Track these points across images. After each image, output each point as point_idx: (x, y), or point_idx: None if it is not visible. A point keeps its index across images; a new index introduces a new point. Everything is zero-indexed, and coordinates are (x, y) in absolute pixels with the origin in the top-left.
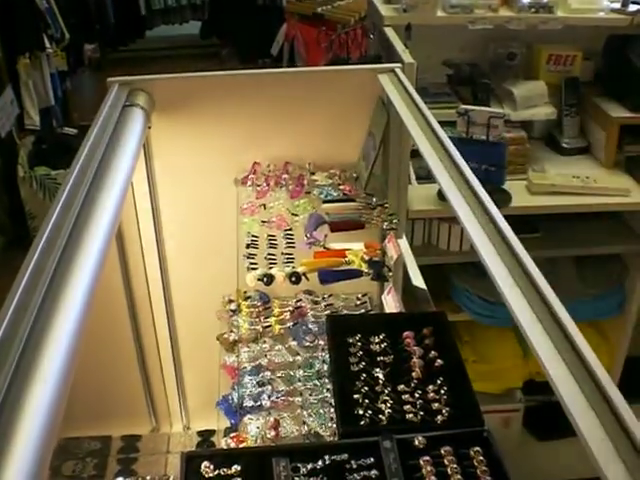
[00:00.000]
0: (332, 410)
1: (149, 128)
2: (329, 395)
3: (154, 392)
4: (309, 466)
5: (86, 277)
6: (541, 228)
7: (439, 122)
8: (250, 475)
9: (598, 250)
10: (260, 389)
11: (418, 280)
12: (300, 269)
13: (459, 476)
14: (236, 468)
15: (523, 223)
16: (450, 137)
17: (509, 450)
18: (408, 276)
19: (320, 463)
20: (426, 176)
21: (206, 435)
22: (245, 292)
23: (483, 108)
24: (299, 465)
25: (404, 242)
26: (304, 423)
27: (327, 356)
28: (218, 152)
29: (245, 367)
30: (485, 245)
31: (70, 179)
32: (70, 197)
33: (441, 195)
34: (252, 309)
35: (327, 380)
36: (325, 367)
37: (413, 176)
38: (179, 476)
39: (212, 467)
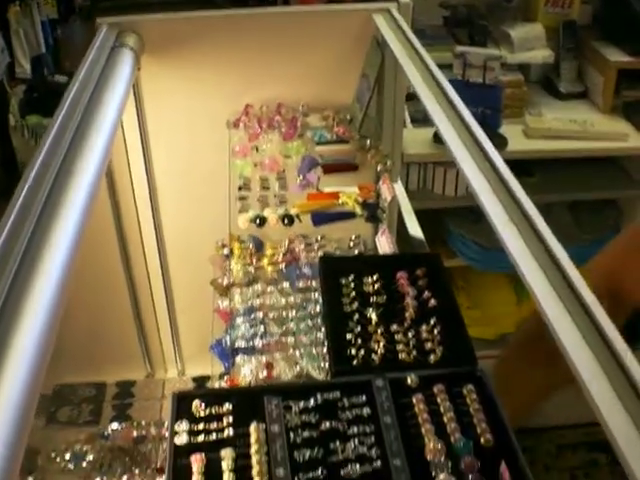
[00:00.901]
0: (325, 351)
1: (139, 70)
2: (322, 336)
3: (148, 338)
4: (301, 404)
5: (75, 214)
6: (537, 172)
7: (437, 65)
8: (242, 413)
9: (594, 195)
10: (253, 332)
11: (413, 224)
12: (293, 211)
13: (451, 414)
14: (227, 407)
15: (519, 167)
16: (447, 80)
17: None
18: (403, 221)
19: (312, 402)
20: (422, 119)
21: (200, 381)
22: (239, 237)
23: (480, 50)
24: (291, 403)
25: (399, 186)
26: (297, 364)
27: (320, 298)
28: (210, 94)
29: (238, 311)
30: (483, 187)
31: (58, 119)
32: (58, 137)
33: (437, 138)
34: (245, 253)
35: (320, 322)
36: (318, 309)
37: (408, 119)
38: (170, 415)
39: (203, 406)
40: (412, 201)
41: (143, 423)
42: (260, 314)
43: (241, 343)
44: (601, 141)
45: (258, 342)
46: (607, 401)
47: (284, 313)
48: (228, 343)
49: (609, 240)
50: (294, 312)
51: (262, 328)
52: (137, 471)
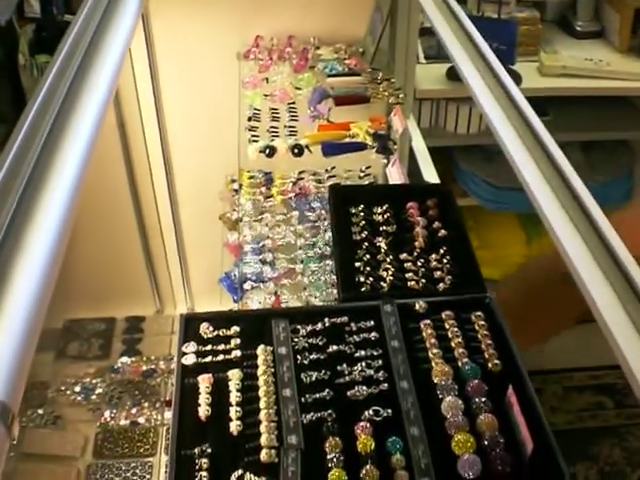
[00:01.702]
0: (333, 283)
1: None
2: (330, 266)
3: (158, 274)
4: (308, 328)
5: (81, 140)
6: (551, 111)
7: None
8: (249, 336)
9: (607, 135)
10: (262, 265)
11: (425, 159)
12: (303, 141)
13: (459, 339)
14: (235, 329)
15: (532, 106)
16: None
17: None
18: (414, 157)
19: (320, 325)
20: (435, 55)
21: None
22: (248, 172)
23: None
24: (298, 327)
25: (412, 122)
26: (305, 289)
27: (329, 236)
28: (220, 25)
29: (248, 245)
30: (503, 124)
31: (65, 47)
32: (64, 63)
33: (450, 75)
34: (255, 188)
35: (328, 252)
36: (327, 238)
37: (421, 54)
38: (178, 337)
39: (211, 328)
40: (424, 139)
41: (152, 358)
42: (269, 247)
43: (251, 277)
44: (616, 80)
45: (267, 274)
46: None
47: (293, 245)
48: (237, 276)
49: (621, 182)
50: (303, 244)
51: (271, 260)
52: (146, 404)
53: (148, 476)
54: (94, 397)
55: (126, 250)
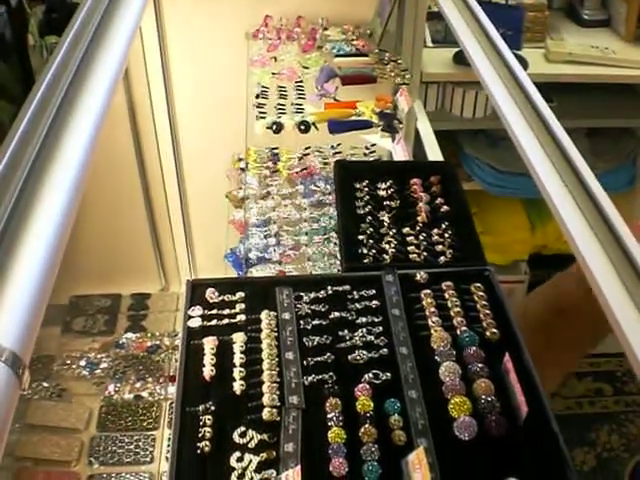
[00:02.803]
0: (337, 256)
1: None
2: (335, 245)
3: (164, 252)
4: (311, 295)
5: (91, 115)
6: (556, 98)
7: None
8: (254, 301)
9: (612, 123)
10: (267, 242)
11: (430, 140)
12: (310, 118)
13: (458, 308)
14: (240, 295)
15: (539, 92)
16: None
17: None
18: (419, 139)
19: (322, 293)
20: (443, 40)
21: None
22: (255, 148)
23: None
24: (302, 294)
25: (418, 104)
26: (308, 260)
27: (334, 212)
28: (230, 4)
29: (253, 222)
30: (510, 108)
31: (74, 26)
32: (74, 39)
33: (457, 59)
34: (261, 164)
35: (333, 225)
36: (332, 212)
37: (429, 38)
38: (184, 301)
39: (217, 294)
40: (430, 122)
41: (157, 334)
42: (275, 224)
43: (256, 254)
44: (622, 68)
45: (273, 254)
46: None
47: (298, 219)
48: (242, 252)
49: (624, 169)
50: (308, 217)
51: (276, 237)
52: (150, 379)
53: (151, 449)
54: (99, 371)
55: (132, 227)
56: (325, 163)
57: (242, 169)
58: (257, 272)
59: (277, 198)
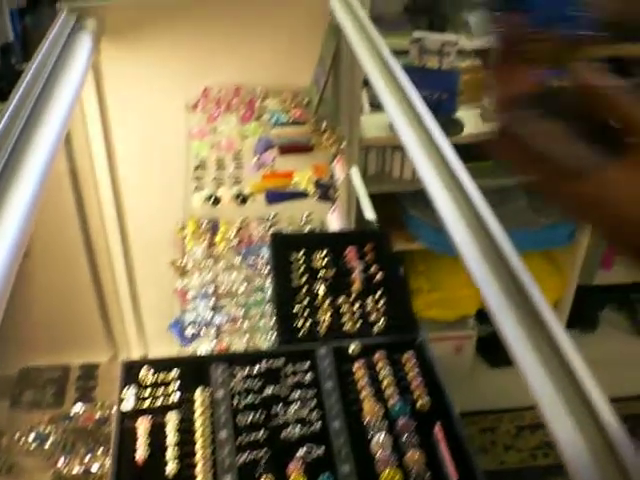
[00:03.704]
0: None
1: (98, 53)
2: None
3: (112, 320)
4: (246, 371)
5: (30, 186)
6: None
7: (394, 51)
8: (188, 380)
9: None
10: (208, 311)
11: (367, 207)
12: (247, 190)
13: (390, 378)
14: (175, 373)
15: (476, 150)
16: (402, 65)
17: (461, 376)
18: (359, 207)
19: (257, 368)
20: (380, 104)
21: None
22: (199, 219)
23: (436, 35)
24: (237, 369)
25: (355, 171)
26: (245, 334)
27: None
28: (169, 77)
29: (196, 291)
30: (430, 174)
31: (14, 99)
32: (13, 115)
33: None
34: (200, 233)
35: (269, 296)
36: (269, 285)
37: (367, 104)
38: (118, 383)
39: (151, 372)
40: (371, 185)
41: (106, 404)
42: (215, 292)
43: (197, 321)
44: None
45: (214, 319)
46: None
47: (238, 290)
48: (185, 322)
49: (564, 224)
50: (247, 289)
51: (217, 306)
52: (99, 452)
53: None
54: (48, 445)
55: (79, 297)
56: (263, 234)
57: (185, 237)
58: (197, 344)
59: (217, 268)
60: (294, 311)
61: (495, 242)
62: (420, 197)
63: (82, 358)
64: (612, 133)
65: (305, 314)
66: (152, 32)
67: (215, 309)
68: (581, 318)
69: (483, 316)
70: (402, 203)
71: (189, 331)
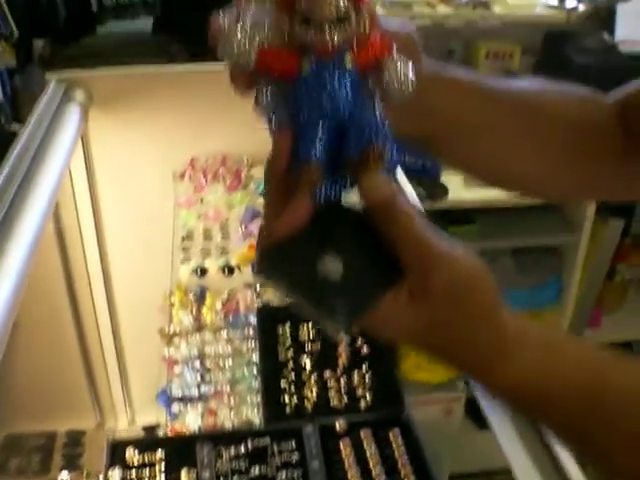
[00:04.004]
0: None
1: (86, 123)
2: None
3: (98, 386)
4: (232, 451)
5: (18, 262)
6: (478, 219)
7: None
8: (174, 460)
9: (535, 241)
10: (195, 380)
11: None
12: (234, 261)
13: (377, 458)
14: (160, 453)
15: (461, 215)
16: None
17: (450, 438)
18: None
19: (243, 448)
20: None
21: (150, 430)
22: (186, 286)
23: None
24: (222, 450)
25: None
26: (232, 410)
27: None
28: (157, 147)
29: (183, 360)
30: None
31: (3, 173)
32: (3, 187)
33: None
34: (190, 302)
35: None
36: (256, 357)
37: None
38: (104, 463)
39: (137, 452)
40: None
41: (93, 472)
42: (202, 362)
43: (184, 392)
44: None
45: (201, 390)
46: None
47: (225, 361)
48: (172, 392)
49: (550, 285)
50: (235, 360)
51: (204, 376)
52: None
53: None
54: None
55: (66, 363)
56: (250, 303)
57: (173, 304)
58: (184, 415)
59: (204, 338)
60: (281, 386)
61: None
62: None
63: (68, 424)
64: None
65: (292, 389)
66: (139, 102)
67: (202, 380)
68: None
69: None
70: None
71: (176, 404)
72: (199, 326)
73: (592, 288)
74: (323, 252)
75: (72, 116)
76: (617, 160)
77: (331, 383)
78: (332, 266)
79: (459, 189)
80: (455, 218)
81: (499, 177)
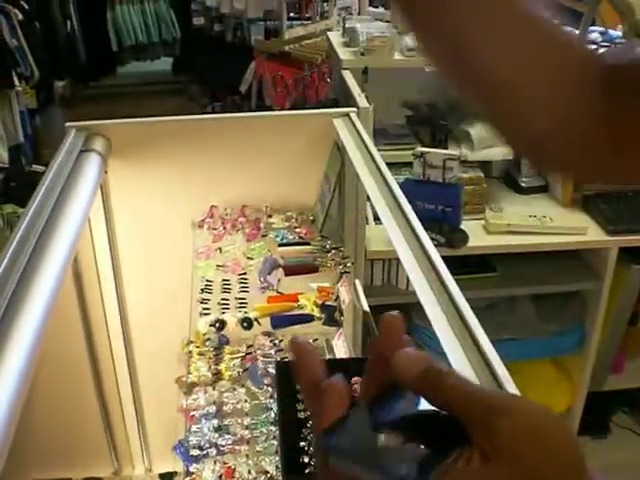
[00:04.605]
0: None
1: (106, 172)
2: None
3: (115, 434)
4: None
5: (38, 315)
6: (499, 266)
7: (398, 163)
8: None
9: (556, 288)
10: (213, 433)
11: (371, 325)
12: (252, 314)
13: None
14: None
15: (481, 262)
16: (407, 179)
17: None
18: (364, 319)
19: None
20: None
21: (167, 477)
22: (204, 334)
23: (438, 151)
24: None
25: (359, 284)
26: (251, 469)
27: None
28: (176, 195)
29: (201, 411)
30: (423, 287)
31: (23, 223)
32: (24, 238)
33: None
34: (208, 353)
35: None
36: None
37: (371, 217)
38: None
39: None
40: (377, 297)
41: None
42: (220, 414)
43: (203, 446)
44: (560, 235)
45: (219, 443)
46: None
47: (245, 414)
48: (190, 444)
49: (573, 331)
50: (253, 413)
51: (223, 429)
52: None
53: None
54: None
55: (83, 409)
56: (268, 356)
57: (191, 352)
58: (203, 466)
59: (222, 386)
60: (300, 445)
61: (483, 351)
62: None
63: (86, 472)
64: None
65: (311, 450)
66: (158, 151)
67: (219, 430)
68: (592, 424)
69: None
70: (408, 313)
71: (193, 456)
72: (217, 377)
73: (615, 334)
74: (380, 427)
75: (92, 165)
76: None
77: None
78: (392, 440)
79: (480, 235)
80: (476, 265)
81: None
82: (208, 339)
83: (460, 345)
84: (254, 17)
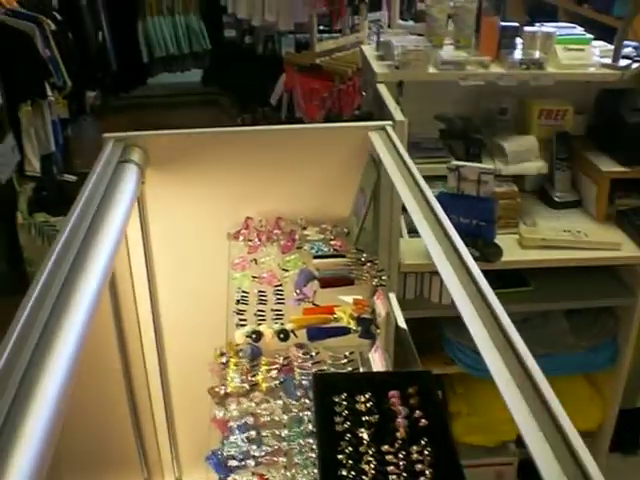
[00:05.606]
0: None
1: (143, 183)
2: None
3: (146, 443)
4: None
5: (78, 327)
6: (533, 281)
7: (432, 177)
8: None
9: (590, 303)
10: (248, 444)
11: (406, 338)
12: (288, 326)
13: None
14: None
15: (515, 277)
16: (442, 193)
17: None
18: (398, 333)
19: None
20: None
21: None
22: (237, 345)
23: (473, 164)
24: None
25: (394, 298)
26: (287, 468)
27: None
28: (211, 207)
29: (234, 422)
30: (464, 301)
31: (64, 234)
32: (63, 250)
33: None
34: (242, 364)
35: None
36: (311, 426)
37: (405, 230)
38: None
39: None
40: (410, 310)
41: None
42: (255, 426)
43: (237, 458)
44: (595, 250)
45: (254, 458)
46: None
47: (280, 429)
48: (223, 455)
49: (606, 347)
50: (289, 425)
51: (257, 441)
52: None
53: None
54: None
55: (115, 418)
56: (303, 362)
57: (224, 363)
58: (239, 479)
59: (256, 397)
60: (338, 458)
61: (526, 367)
62: (458, 321)
63: None
64: None
65: (349, 463)
66: (194, 162)
67: (254, 441)
68: (623, 441)
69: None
70: (440, 327)
71: (226, 467)
72: (253, 388)
73: None
74: None
75: (130, 176)
76: None
77: (389, 457)
78: None
79: (514, 250)
80: (510, 280)
81: None
82: (240, 350)
83: (501, 359)
84: (285, 30)
